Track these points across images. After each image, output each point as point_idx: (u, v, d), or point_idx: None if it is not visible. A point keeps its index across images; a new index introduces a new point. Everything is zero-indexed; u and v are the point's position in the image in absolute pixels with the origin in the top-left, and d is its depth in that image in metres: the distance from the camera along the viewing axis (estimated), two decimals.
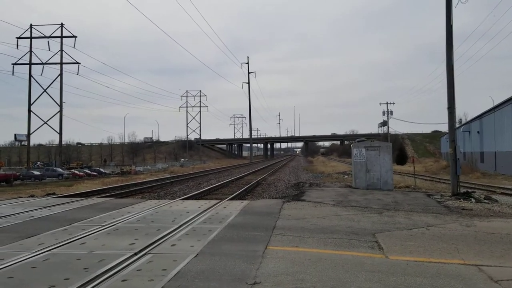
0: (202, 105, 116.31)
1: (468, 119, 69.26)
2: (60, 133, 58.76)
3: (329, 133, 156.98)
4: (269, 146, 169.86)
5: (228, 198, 17.16)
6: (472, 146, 52.58)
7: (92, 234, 8.98)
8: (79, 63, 57.75)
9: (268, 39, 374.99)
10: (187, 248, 7.62)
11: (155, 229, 9.45)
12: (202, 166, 69.22)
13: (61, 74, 57.63)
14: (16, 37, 56.58)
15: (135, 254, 7.16)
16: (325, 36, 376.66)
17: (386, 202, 14.71)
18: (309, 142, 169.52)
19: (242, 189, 21.73)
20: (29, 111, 57.24)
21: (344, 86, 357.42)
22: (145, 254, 7.19)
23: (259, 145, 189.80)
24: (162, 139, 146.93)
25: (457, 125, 55.59)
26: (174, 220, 10.83)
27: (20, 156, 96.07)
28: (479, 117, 49.97)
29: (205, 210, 12.68)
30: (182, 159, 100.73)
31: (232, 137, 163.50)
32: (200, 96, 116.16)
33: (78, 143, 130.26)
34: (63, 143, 66.42)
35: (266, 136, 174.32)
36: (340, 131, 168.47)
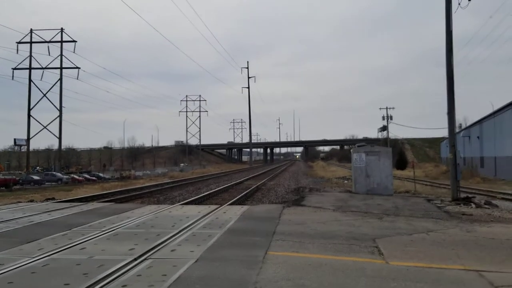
0: (202, 109, 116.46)
1: (468, 124, 69.36)
2: (60, 138, 58.77)
3: (329, 138, 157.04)
4: (268, 151, 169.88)
5: (228, 203, 17.14)
6: (472, 151, 52.59)
7: (92, 239, 8.96)
8: (79, 68, 57.92)
9: (268, 44, 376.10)
10: (187, 253, 7.60)
11: (154, 234, 9.43)
12: (201, 171, 69.20)
13: (60, 79, 57.71)
14: (16, 42, 56.76)
15: (135, 259, 7.14)
16: (325, 40, 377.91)
17: (386, 207, 14.70)
18: (309, 146, 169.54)
19: (242, 194, 21.70)
20: (29, 115, 57.28)
21: (344, 91, 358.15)
22: (145, 259, 7.17)
23: (259, 150, 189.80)
24: (161, 144, 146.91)
25: (457, 130, 55.59)
26: (174, 225, 10.81)
27: (20, 161, 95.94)
28: (479, 122, 50.01)
29: (205, 215, 12.66)
30: (182, 164, 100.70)
31: (232, 141, 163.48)
32: (200, 100, 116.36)
33: (71, 148, 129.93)
34: (62, 147, 66.38)
35: (266, 141, 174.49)
36: (340, 136, 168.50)
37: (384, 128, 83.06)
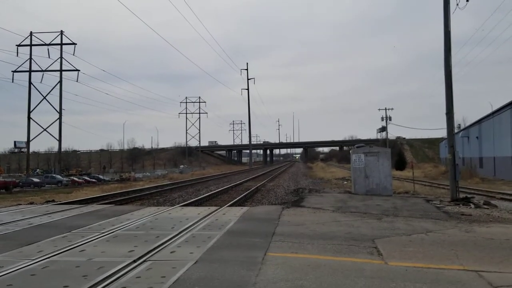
0: (201, 111, 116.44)
1: (467, 124, 69.33)
2: (60, 140, 58.74)
3: (328, 139, 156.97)
4: (268, 152, 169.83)
5: (227, 205, 17.15)
6: (471, 151, 52.63)
7: (92, 241, 8.97)
8: (79, 70, 57.85)
9: (267, 45, 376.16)
10: (187, 255, 7.61)
11: (154, 236, 9.44)
12: (201, 172, 69.19)
13: (60, 81, 57.72)
14: (16, 45, 56.69)
15: (134, 261, 7.15)
16: (325, 42, 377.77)
17: (385, 207, 14.71)
18: (309, 148, 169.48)
19: (242, 196, 21.72)
20: (29, 118, 57.25)
21: (344, 92, 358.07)
22: (144, 261, 7.19)
23: (258, 151, 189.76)
24: (161, 146, 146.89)
25: (456, 130, 55.69)
26: (174, 227, 10.82)
27: (20, 163, 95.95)
28: (478, 122, 50.06)
29: (205, 217, 12.68)
30: (182, 166, 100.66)
31: (232, 143, 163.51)
32: (199, 102, 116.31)
33: (74, 150, 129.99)
34: (62, 150, 66.37)
35: (266, 142, 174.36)
36: (339, 137, 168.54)
37: (383, 129, 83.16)
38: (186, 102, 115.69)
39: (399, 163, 61.92)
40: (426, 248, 8.19)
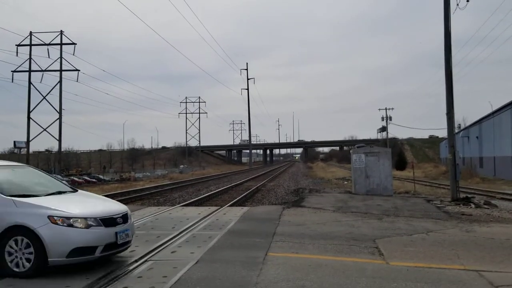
0: (201, 111, 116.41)
1: (467, 124, 69.36)
2: (60, 140, 58.71)
3: (328, 139, 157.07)
4: (268, 152, 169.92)
5: (228, 205, 17.16)
6: (471, 151, 52.65)
7: None
8: (79, 70, 57.80)
9: (267, 45, 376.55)
10: (188, 255, 7.62)
11: (155, 236, 9.45)
12: (201, 172, 69.20)
13: (60, 81, 57.70)
14: (16, 45, 56.56)
15: (136, 261, 7.16)
16: (325, 41, 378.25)
17: (386, 207, 14.72)
18: (309, 148, 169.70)
19: (242, 195, 21.73)
20: (29, 118, 57.23)
21: (344, 92, 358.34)
22: (145, 261, 7.19)
23: (258, 151, 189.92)
24: (161, 146, 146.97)
25: (456, 130, 55.66)
26: (174, 227, 10.83)
27: None
28: (478, 122, 50.08)
29: (205, 217, 12.68)
30: (182, 166, 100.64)
31: (231, 143, 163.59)
32: (199, 102, 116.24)
33: (71, 150, 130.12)
34: (62, 150, 66.39)
35: (265, 142, 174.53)
36: (340, 137, 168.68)
37: (384, 129, 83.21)
38: (186, 102, 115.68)
39: (400, 163, 61.95)
40: (427, 248, 8.20)
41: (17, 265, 6.20)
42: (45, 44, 57.79)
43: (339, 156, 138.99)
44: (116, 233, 6.69)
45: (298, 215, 13.07)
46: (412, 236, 9.46)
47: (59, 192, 7.49)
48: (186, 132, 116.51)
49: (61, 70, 58.06)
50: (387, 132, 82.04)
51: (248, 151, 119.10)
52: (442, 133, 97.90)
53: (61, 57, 57.82)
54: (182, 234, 9.75)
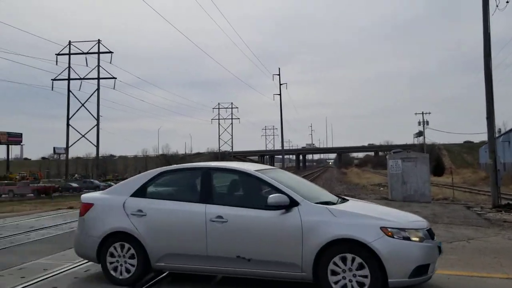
0: (234, 117, 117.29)
1: (508, 128, 67.07)
2: (97, 146, 60.37)
3: (362, 144, 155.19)
4: (301, 157, 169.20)
5: None
6: None
7: None
8: (115, 78, 59.41)
9: (299, 50, 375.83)
10: None
11: None
12: None
13: (98, 89, 59.42)
14: (56, 54, 58.74)
15: None
16: (356, 45, 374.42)
17: (424, 214, 14.37)
18: (342, 153, 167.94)
19: None
20: (68, 125, 59.12)
21: (378, 96, 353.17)
22: None
23: (291, 156, 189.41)
24: (194, 151, 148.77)
25: (496, 135, 53.92)
26: None
27: (59, 169, 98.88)
28: None
29: None
30: None
31: (264, 148, 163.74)
32: (232, 108, 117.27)
33: (108, 156, 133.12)
34: (99, 155, 68.13)
35: (298, 147, 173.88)
36: (374, 142, 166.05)
37: (420, 134, 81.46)
38: (219, 108, 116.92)
39: (437, 169, 60.50)
40: (468, 255, 7.97)
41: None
42: (83, 53, 59.67)
43: (374, 161, 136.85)
44: (439, 247, 5.74)
45: None
46: (452, 243, 9.21)
47: (335, 199, 6.37)
48: (219, 138, 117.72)
49: (98, 78, 59.77)
50: (424, 137, 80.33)
51: (280, 156, 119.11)
52: (479, 138, 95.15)
53: (98, 66, 59.56)
54: None
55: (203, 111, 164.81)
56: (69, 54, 59.11)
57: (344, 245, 5.19)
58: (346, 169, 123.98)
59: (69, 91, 59.55)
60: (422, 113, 78.19)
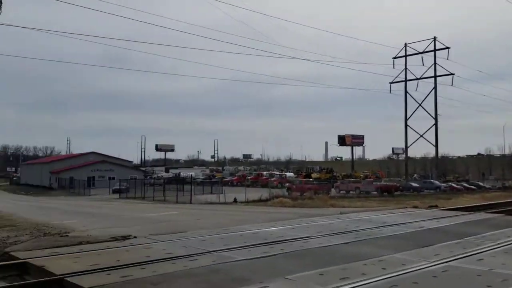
0: None
1: None
2: (436, 146, 59.50)
3: None
4: None
5: None
6: None
7: (488, 251, 8.49)
8: (453, 74, 57.17)
9: None
10: None
11: None
12: None
13: (435, 87, 58.53)
14: (392, 57, 61.17)
15: None
16: None
17: None
18: None
19: None
20: (406, 125, 60.50)
21: None
22: None
23: None
24: None
25: None
26: None
27: (398, 168, 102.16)
28: None
29: None
30: None
31: None
32: None
33: (447, 156, 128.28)
34: (438, 155, 66.89)
35: None
36: None
37: None
38: None
39: None
40: None
41: None
42: (419, 53, 60.05)
43: None
44: None
45: None
46: None
47: None
48: None
49: (435, 76, 58.94)
50: None
51: None
52: None
53: (435, 63, 58.77)
54: None
55: None
56: (405, 56, 60.52)
57: None
58: None
59: (406, 92, 60.94)
60: None
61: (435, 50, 58.37)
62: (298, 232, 10.99)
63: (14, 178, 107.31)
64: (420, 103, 60.32)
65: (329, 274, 6.67)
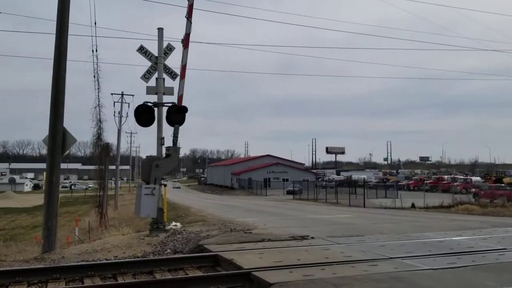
0: None
1: None
2: None
3: None
4: None
5: None
6: None
7: None
8: None
9: None
10: None
11: None
12: None
13: None
14: None
15: None
16: None
17: None
18: None
19: None
20: None
21: None
22: None
23: None
24: None
25: None
26: None
27: None
28: None
29: None
30: None
31: None
32: None
33: None
34: None
35: None
36: None
37: None
38: None
39: None
40: None
41: None
42: None
43: None
44: None
45: None
46: None
47: None
48: None
49: None
50: None
51: None
52: None
53: None
54: None
55: None
56: None
57: None
58: None
59: None
60: None
61: None
62: (490, 243, 9.86)
63: (202, 178, 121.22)
64: None
65: None
